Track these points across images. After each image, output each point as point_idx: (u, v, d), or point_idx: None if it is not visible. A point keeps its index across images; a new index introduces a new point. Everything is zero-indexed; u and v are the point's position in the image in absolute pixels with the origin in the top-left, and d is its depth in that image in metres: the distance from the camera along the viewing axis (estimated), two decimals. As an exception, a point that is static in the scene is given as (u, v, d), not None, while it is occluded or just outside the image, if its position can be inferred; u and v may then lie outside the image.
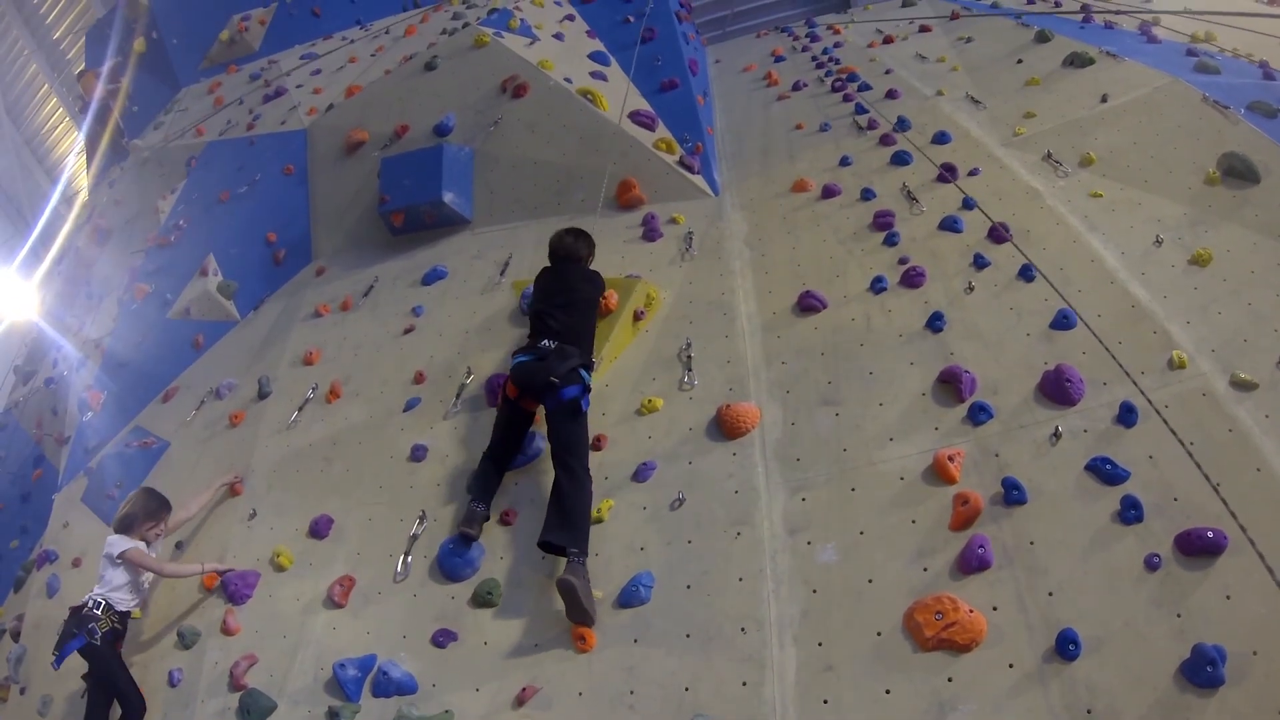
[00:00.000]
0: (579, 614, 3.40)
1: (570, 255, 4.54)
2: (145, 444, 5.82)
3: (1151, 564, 2.93)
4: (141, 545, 4.22)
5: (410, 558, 4.02)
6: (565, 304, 4.22)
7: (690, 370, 4.38)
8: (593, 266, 4.67)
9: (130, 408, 6.42)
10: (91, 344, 7.40)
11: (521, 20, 7.58)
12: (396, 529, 4.20)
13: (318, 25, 10.70)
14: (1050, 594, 2.97)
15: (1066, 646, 2.79)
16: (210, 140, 8.73)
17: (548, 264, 4.61)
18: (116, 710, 3.98)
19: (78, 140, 14.35)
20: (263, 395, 5.56)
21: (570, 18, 8.32)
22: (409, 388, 5.03)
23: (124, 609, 4.11)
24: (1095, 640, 2.80)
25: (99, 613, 4.00)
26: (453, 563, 3.86)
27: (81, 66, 12.52)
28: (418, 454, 4.53)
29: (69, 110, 16.84)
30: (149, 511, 4.31)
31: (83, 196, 12.88)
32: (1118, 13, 7.72)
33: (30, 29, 16.41)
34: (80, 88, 12.07)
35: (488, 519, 4.00)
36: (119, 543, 4.17)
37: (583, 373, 3.99)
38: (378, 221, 6.59)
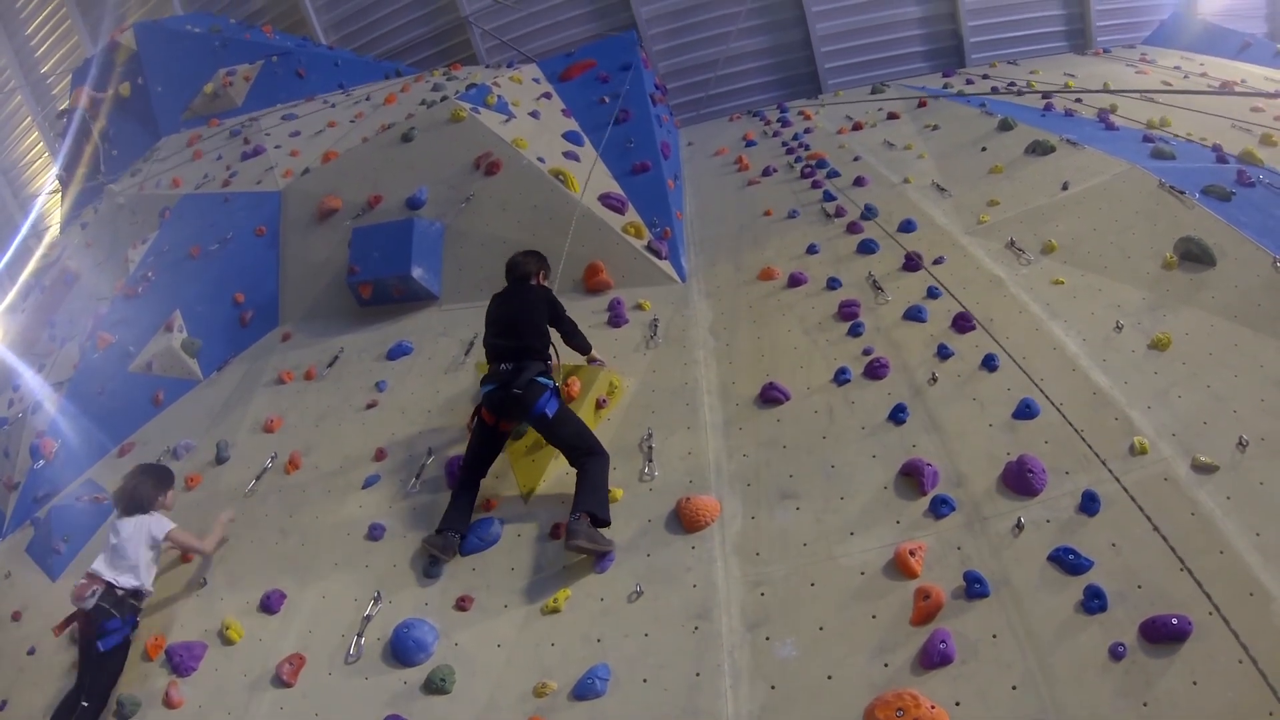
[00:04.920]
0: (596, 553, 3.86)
1: (517, 271, 4.69)
2: (97, 499, 5.65)
3: (1117, 653, 2.91)
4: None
5: (363, 639, 3.90)
6: (511, 325, 4.36)
7: (651, 461, 4.38)
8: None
9: (84, 459, 6.25)
10: (50, 388, 7.22)
11: (499, 97, 7.70)
12: (350, 608, 4.10)
13: (301, 86, 10.84)
14: (1014, 688, 2.93)
15: (1032, 741, 2.75)
16: (186, 193, 8.68)
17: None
18: None
19: (52, 176, 14.21)
20: (220, 460, 5.46)
21: (547, 95, 8.50)
22: (369, 464, 4.96)
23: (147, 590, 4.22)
24: (1061, 734, 2.75)
25: (137, 602, 4.13)
26: (406, 647, 3.76)
27: (65, 105, 12.47)
28: (375, 533, 4.45)
29: (49, 145, 16.69)
30: (160, 480, 4.35)
31: (53, 233, 12.72)
32: (1078, 100, 8.03)
33: (20, 60, 16.34)
34: (70, 101, 12.00)
35: (460, 543, 4.16)
36: (157, 524, 4.25)
37: (543, 380, 4.19)
38: (346, 291, 6.58)
